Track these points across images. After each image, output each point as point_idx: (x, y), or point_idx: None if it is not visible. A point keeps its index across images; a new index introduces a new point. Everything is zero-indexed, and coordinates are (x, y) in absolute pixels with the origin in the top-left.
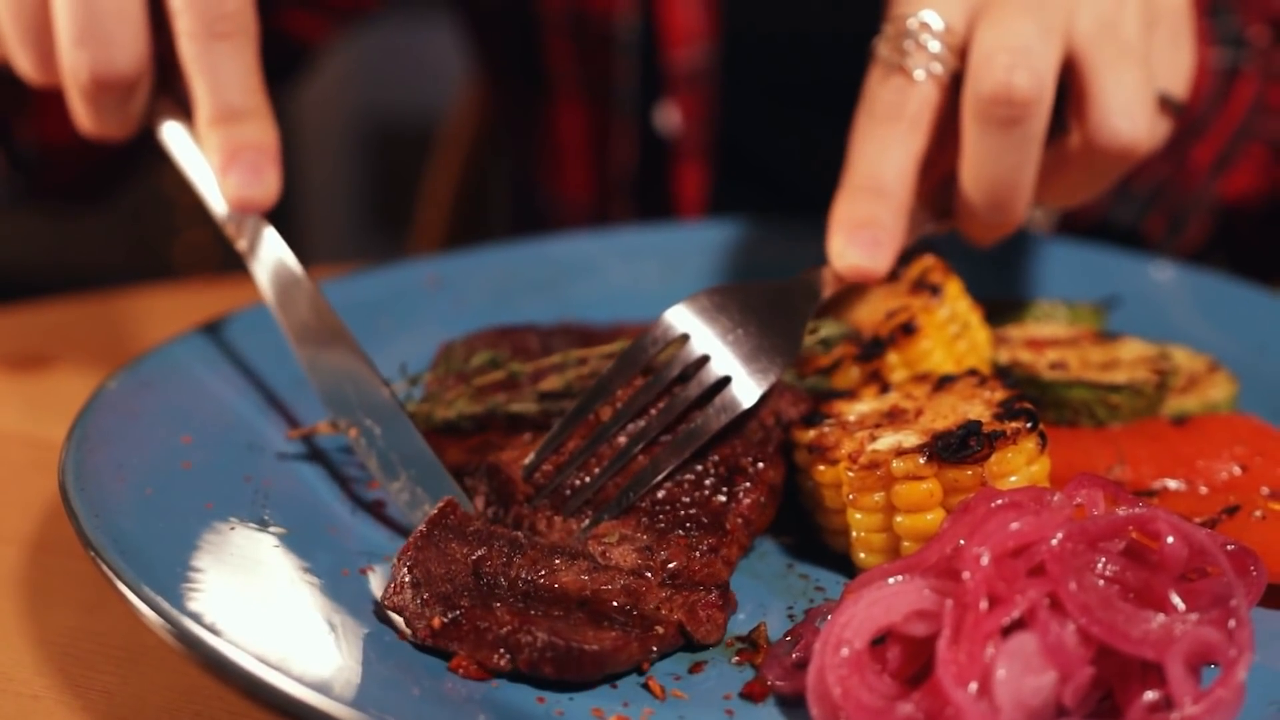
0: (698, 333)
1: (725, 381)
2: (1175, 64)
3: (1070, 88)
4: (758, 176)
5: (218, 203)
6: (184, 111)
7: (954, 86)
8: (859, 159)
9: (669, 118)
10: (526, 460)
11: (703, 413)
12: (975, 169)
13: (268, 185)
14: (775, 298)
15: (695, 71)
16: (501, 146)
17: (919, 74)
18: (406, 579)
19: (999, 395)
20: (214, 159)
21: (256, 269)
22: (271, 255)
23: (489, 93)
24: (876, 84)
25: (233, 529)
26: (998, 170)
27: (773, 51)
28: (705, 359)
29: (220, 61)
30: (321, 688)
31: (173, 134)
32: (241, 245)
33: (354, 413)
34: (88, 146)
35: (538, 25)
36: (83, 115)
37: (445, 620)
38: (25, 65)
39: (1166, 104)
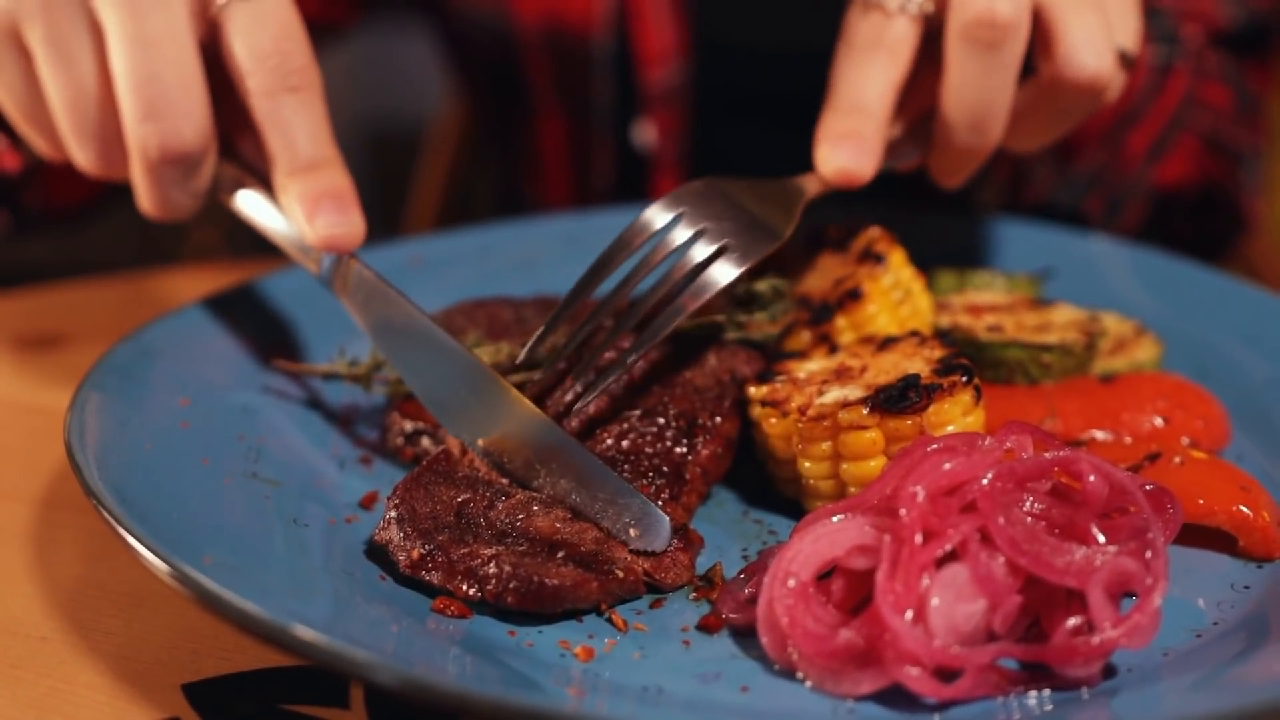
0: (690, 213)
1: (719, 254)
2: (1126, 22)
3: (1037, 32)
4: None
5: (307, 256)
6: (244, 176)
7: (926, 29)
8: (841, 85)
9: (645, 134)
10: (519, 358)
11: (699, 279)
12: (957, 91)
13: (354, 224)
14: (763, 192)
15: (669, 90)
16: (485, 155)
17: (894, 8)
18: (394, 515)
19: (938, 353)
20: (298, 208)
21: (358, 314)
22: (370, 295)
23: (470, 106)
24: (855, 19)
25: (227, 482)
26: (979, 93)
27: (744, 67)
28: (700, 233)
29: (293, 115)
30: (309, 621)
31: (243, 199)
32: (346, 301)
33: (478, 426)
34: (92, 199)
35: (516, 44)
36: (148, 196)
37: (423, 552)
38: (88, 156)
39: (1123, 57)
